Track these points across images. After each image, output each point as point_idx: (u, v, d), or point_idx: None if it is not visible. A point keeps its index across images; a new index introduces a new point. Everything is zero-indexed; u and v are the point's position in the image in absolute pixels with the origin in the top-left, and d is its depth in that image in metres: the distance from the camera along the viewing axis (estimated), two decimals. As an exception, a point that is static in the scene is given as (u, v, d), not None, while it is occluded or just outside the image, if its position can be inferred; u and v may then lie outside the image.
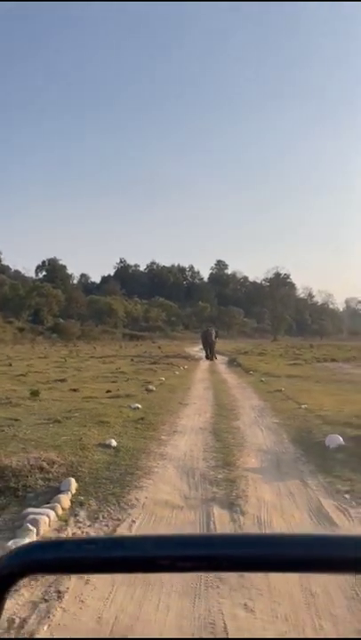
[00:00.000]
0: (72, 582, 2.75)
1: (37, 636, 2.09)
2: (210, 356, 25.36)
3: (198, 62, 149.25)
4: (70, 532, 3.52)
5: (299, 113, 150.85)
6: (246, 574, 2.71)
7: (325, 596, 2.65)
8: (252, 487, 4.53)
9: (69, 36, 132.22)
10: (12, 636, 2.13)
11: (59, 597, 2.64)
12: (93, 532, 3.54)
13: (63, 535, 3.45)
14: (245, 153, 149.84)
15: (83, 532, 3.53)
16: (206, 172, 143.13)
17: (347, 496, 4.30)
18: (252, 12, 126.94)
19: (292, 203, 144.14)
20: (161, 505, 4.10)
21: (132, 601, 2.60)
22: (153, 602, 2.60)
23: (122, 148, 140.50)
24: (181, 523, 3.77)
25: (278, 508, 4.07)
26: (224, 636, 2.32)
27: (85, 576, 2.74)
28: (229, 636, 2.30)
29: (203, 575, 2.79)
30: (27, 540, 3.19)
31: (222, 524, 3.74)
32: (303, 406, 8.34)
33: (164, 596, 2.64)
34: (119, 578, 2.69)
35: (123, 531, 3.56)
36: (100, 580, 2.71)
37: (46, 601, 2.61)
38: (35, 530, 3.35)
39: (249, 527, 3.68)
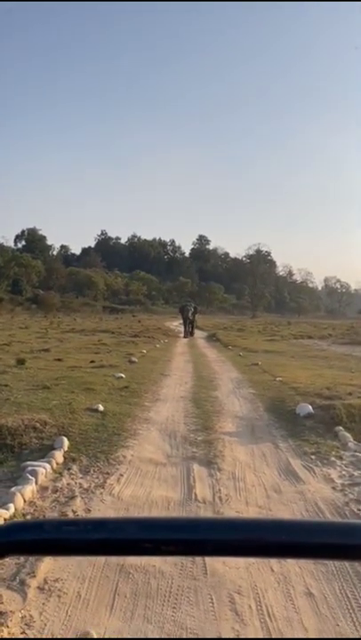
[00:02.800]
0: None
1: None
2: (188, 332, 23.67)
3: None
4: (65, 482, 3.91)
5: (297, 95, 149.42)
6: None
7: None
8: (228, 448, 4.99)
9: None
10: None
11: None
12: (86, 483, 3.94)
13: (59, 484, 3.85)
14: (230, 129, 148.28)
15: (76, 483, 3.92)
16: (190, 147, 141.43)
17: (313, 457, 4.79)
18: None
19: (276, 181, 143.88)
20: (146, 462, 4.53)
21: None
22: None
23: (103, 118, 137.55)
24: (164, 477, 4.20)
25: (251, 466, 4.53)
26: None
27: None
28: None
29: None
30: (28, 487, 3.58)
31: (201, 478, 4.17)
32: (278, 379, 8.83)
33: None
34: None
35: (112, 482, 3.97)
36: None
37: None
38: (33, 479, 3.74)
39: (225, 481, 4.12)
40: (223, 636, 2.21)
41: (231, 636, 2.22)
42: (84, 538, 0.49)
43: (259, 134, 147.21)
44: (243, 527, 0.51)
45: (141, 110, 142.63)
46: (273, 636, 2.22)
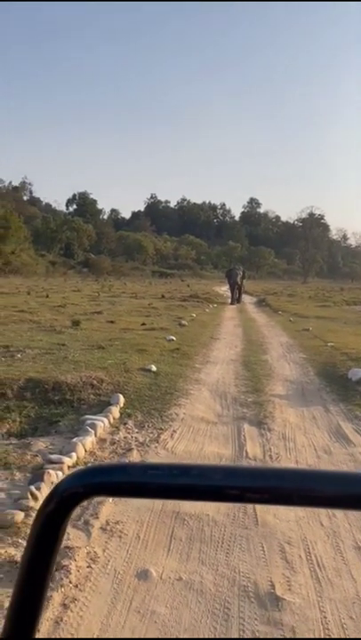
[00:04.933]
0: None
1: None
2: (236, 299, 22.07)
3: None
4: (122, 435, 4.12)
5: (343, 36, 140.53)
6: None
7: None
8: (278, 410, 5.07)
9: None
10: None
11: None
12: (141, 437, 4.13)
13: (116, 437, 4.07)
14: (281, 83, 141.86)
15: (132, 437, 4.12)
16: (241, 106, 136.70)
17: (364, 421, 4.79)
18: None
19: (329, 140, 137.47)
20: (197, 420, 4.68)
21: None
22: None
23: (153, 83, 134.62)
24: (216, 434, 4.34)
25: (301, 428, 4.59)
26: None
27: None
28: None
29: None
30: (88, 439, 3.80)
31: (252, 437, 4.29)
32: (329, 344, 8.75)
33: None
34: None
35: (165, 437, 4.15)
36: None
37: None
38: (93, 432, 3.96)
39: (275, 441, 4.22)
40: (274, 581, 2.33)
41: (281, 582, 2.34)
42: (169, 482, 0.50)
43: (313, 85, 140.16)
44: (329, 479, 0.50)
45: (190, 62, 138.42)
46: (322, 584, 2.33)
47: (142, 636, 1.99)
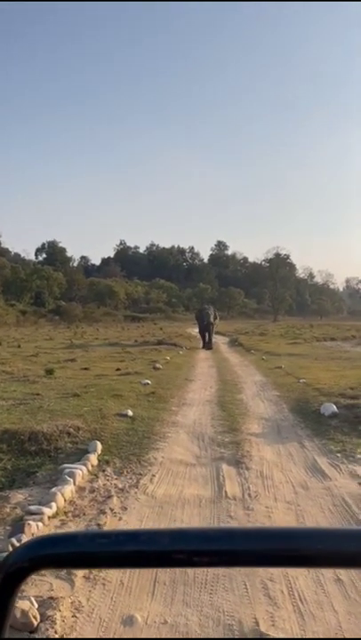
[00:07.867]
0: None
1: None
2: (208, 343, 19.99)
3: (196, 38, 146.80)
4: (101, 483, 4.12)
5: (300, 88, 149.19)
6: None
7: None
8: (255, 448, 5.14)
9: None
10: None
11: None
12: (120, 483, 4.14)
13: (95, 485, 4.06)
14: (243, 130, 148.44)
15: (111, 484, 4.12)
16: (204, 151, 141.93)
17: (338, 455, 4.91)
18: None
19: (292, 182, 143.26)
20: (176, 463, 4.71)
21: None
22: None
23: (117, 130, 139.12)
24: (195, 476, 4.38)
25: (278, 465, 4.67)
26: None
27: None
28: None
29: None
30: (67, 488, 3.79)
31: (230, 477, 4.34)
32: (302, 381, 8.93)
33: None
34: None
35: (145, 482, 4.16)
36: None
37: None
38: (72, 480, 3.95)
39: (253, 479, 4.28)
40: (258, 618, 2.37)
41: (265, 618, 2.38)
42: (118, 550, 0.49)
43: (273, 134, 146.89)
44: (278, 536, 0.49)
45: (151, 113, 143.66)
46: (305, 618, 2.37)
47: None
